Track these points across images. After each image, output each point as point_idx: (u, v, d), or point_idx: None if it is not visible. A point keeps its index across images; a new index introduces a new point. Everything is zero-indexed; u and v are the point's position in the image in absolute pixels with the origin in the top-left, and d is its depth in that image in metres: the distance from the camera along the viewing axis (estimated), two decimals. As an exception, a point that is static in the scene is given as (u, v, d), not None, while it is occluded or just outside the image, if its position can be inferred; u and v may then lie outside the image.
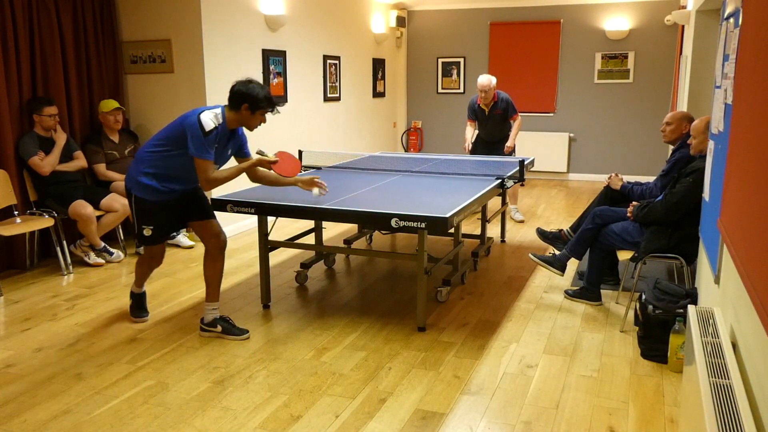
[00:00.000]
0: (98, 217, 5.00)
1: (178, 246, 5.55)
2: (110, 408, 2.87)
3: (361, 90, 8.65)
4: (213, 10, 5.61)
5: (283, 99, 6.70)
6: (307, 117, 7.25)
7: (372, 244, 5.70)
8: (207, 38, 5.55)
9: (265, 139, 6.38)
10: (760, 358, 1.75)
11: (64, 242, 4.90)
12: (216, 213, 3.76)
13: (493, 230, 6.07)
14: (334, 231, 6.12)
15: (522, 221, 6.57)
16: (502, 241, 5.79)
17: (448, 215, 3.40)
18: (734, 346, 2.13)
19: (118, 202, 5.04)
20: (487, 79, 6.18)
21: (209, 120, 3.29)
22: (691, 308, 2.48)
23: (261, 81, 6.22)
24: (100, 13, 5.52)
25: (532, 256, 4.31)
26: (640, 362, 3.32)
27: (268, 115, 3.48)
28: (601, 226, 4.01)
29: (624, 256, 3.87)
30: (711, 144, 3.22)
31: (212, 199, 3.87)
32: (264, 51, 6.31)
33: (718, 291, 2.63)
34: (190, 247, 5.53)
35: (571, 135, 9.29)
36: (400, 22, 9.52)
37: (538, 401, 2.92)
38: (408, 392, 3.00)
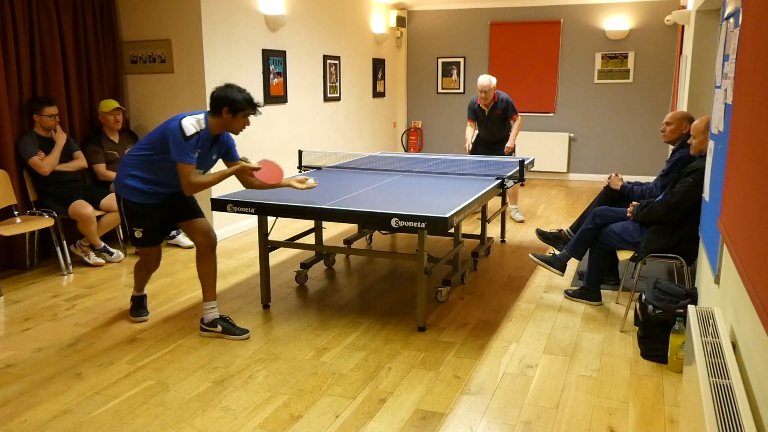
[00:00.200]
0: (98, 217, 5.00)
1: (178, 246, 5.55)
2: (110, 408, 2.87)
3: (361, 90, 8.65)
4: (213, 10, 5.62)
5: (283, 99, 6.70)
6: (307, 117, 7.25)
7: (372, 244, 5.70)
8: (207, 38, 5.55)
9: (265, 138, 6.39)
10: (760, 358, 1.75)
11: (64, 242, 4.90)
12: (216, 213, 3.77)
13: (493, 230, 6.07)
14: (334, 231, 6.12)
15: (522, 221, 6.57)
16: (502, 241, 5.80)
17: (448, 215, 3.40)
18: (734, 346, 2.13)
19: (118, 202, 5.05)
20: (487, 80, 6.18)
21: (190, 125, 3.33)
22: (691, 308, 2.48)
23: (261, 81, 6.28)
24: (100, 13, 5.52)
25: (532, 256, 4.31)
26: (640, 362, 3.32)
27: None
28: (601, 226, 4.01)
29: (624, 256, 3.87)
30: (711, 144, 3.22)
31: (212, 199, 3.87)
32: (264, 51, 6.31)
33: (718, 291, 2.63)
34: (191, 247, 5.52)
35: (571, 135, 9.29)
36: (400, 22, 9.52)
37: (538, 401, 2.92)
38: (408, 392, 3.00)
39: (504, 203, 5.65)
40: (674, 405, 2.88)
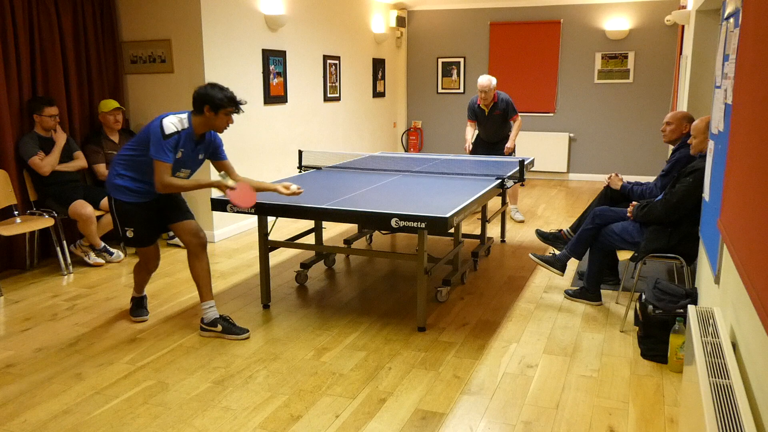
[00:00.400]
0: (98, 217, 5.00)
1: (178, 246, 5.55)
2: (110, 408, 2.87)
3: (361, 90, 8.65)
4: (213, 10, 5.62)
5: (283, 99, 6.70)
6: (307, 117, 7.25)
7: (372, 244, 5.70)
8: (207, 38, 5.55)
9: (265, 138, 6.39)
10: (760, 358, 1.75)
11: (64, 242, 4.90)
12: (216, 213, 3.77)
13: (493, 230, 6.07)
14: (334, 231, 6.13)
15: (522, 221, 6.57)
16: (502, 241, 5.80)
17: (448, 215, 3.40)
18: (734, 346, 2.13)
19: (118, 202, 5.05)
20: (487, 80, 6.18)
21: (171, 124, 3.36)
22: (691, 308, 2.48)
23: (261, 81, 6.28)
24: (100, 13, 5.52)
25: (532, 256, 4.31)
26: (640, 362, 3.32)
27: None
28: (601, 226, 4.01)
29: (624, 256, 3.87)
30: (711, 144, 3.22)
31: (212, 199, 3.88)
32: (264, 51, 6.31)
33: (718, 291, 2.63)
34: (190, 247, 5.52)
35: (571, 135, 9.29)
36: (400, 22, 9.52)
37: (538, 401, 2.92)
38: (408, 392, 3.00)
39: (504, 203, 5.65)
40: (674, 405, 2.88)
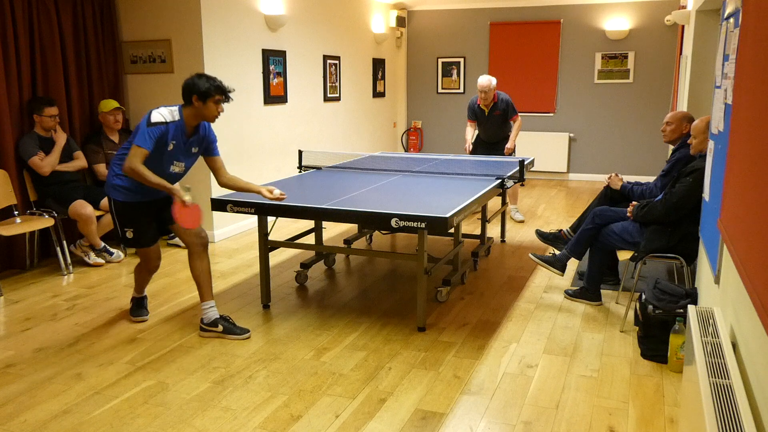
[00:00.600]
0: (98, 217, 5.00)
1: (178, 246, 5.55)
2: (110, 408, 2.87)
3: (361, 90, 8.65)
4: (213, 10, 5.62)
5: (283, 99, 6.70)
6: (307, 117, 7.25)
7: (372, 244, 5.70)
8: (207, 38, 5.55)
9: (265, 138, 6.39)
10: (760, 358, 1.75)
11: (64, 242, 4.90)
12: (216, 213, 3.77)
13: (493, 230, 6.07)
14: (334, 231, 6.12)
15: (522, 221, 6.57)
16: (502, 241, 5.80)
17: (448, 215, 3.40)
18: (734, 346, 2.13)
19: (118, 202, 5.05)
20: (487, 80, 6.18)
21: (159, 114, 3.37)
22: (691, 308, 2.48)
23: (261, 81, 6.28)
24: (100, 13, 5.52)
25: (532, 256, 4.31)
26: (640, 362, 3.32)
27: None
28: (601, 226, 4.01)
29: (624, 256, 3.87)
30: (711, 144, 3.23)
31: (212, 199, 3.88)
32: (264, 51, 6.31)
33: (718, 291, 2.63)
34: (190, 247, 5.52)
35: (571, 135, 9.29)
36: (400, 22, 9.52)
37: (538, 401, 2.92)
38: (408, 392, 3.00)
39: (504, 203, 5.65)
40: (674, 405, 2.88)
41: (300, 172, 5.16)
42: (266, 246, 4.05)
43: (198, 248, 3.64)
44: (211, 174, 3.67)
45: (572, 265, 4.87)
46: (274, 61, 6.47)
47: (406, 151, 10.12)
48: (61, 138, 4.97)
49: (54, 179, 4.94)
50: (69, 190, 4.99)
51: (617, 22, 8.83)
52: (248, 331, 3.65)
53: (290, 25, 6.76)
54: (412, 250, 5.34)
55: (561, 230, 4.68)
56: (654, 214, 3.71)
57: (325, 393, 3.00)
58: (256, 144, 6.26)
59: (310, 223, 5.21)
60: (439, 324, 3.84)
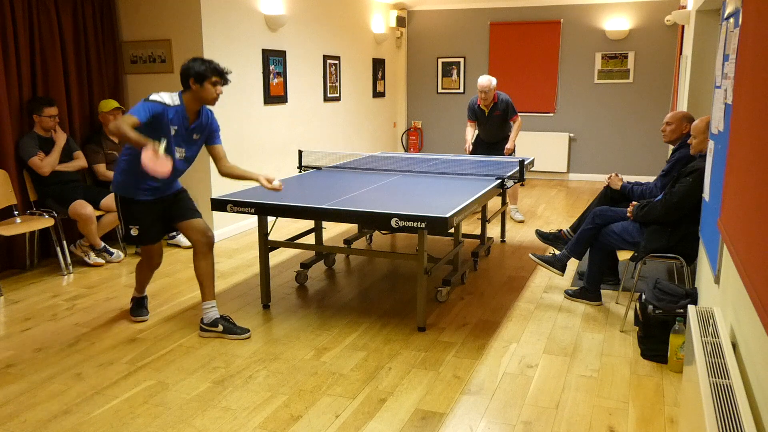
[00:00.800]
0: (98, 217, 5.00)
1: (178, 246, 5.55)
2: (110, 408, 2.87)
3: (361, 90, 8.65)
4: (213, 10, 5.62)
5: (283, 99, 6.70)
6: (307, 117, 7.25)
7: (372, 244, 5.70)
8: (207, 38, 5.55)
9: (265, 138, 6.39)
10: (760, 358, 1.75)
11: (64, 242, 4.90)
12: (216, 213, 3.77)
13: (493, 230, 6.07)
14: (334, 231, 6.13)
15: (522, 221, 6.57)
16: (502, 241, 5.80)
17: (448, 215, 3.40)
18: (734, 346, 2.14)
19: (118, 202, 5.05)
20: (487, 80, 6.18)
21: (158, 95, 3.37)
22: (691, 308, 2.48)
23: (261, 81, 6.28)
24: (100, 13, 5.52)
25: (532, 256, 4.31)
26: (640, 362, 3.32)
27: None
28: (601, 226, 4.01)
29: (624, 256, 3.87)
30: (711, 144, 3.23)
31: (212, 199, 3.88)
32: (264, 51, 6.31)
33: (718, 291, 2.63)
34: (190, 247, 5.50)
35: (571, 135, 9.29)
36: (400, 22, 9.52)
37: (538, 401, 2.92)
38: (408, 392, 3.00)
39: (504, 203, 5.65)
40: (674, 405, 2.88)
41: (300, 172, 5.16)
42: (266, 246, 4.05)
43: (203, 247, 3.64)
44: (211, 174, 3.68)
45: (572, 265, 4.87)
46: (274, 61, 6.47)
47: (406, 151, 10.12)
48: (60, 138, 4.97)
49: (54, 179, 4.94)
50: (69, 190, 4.99)
51: (617, 22, 8.83)
52: (248, 331, 3.65)
53: (290, 25, 6.76)
54: (412, 250, 5.34)
55: (561, 230, 4.68)
56: (654, 214, 3.71)
57: (325, 393, 3.00)
58: (256, 144, 6.26)
59: (310, 223, 5.22)
60: (439, 324, 3.84)
